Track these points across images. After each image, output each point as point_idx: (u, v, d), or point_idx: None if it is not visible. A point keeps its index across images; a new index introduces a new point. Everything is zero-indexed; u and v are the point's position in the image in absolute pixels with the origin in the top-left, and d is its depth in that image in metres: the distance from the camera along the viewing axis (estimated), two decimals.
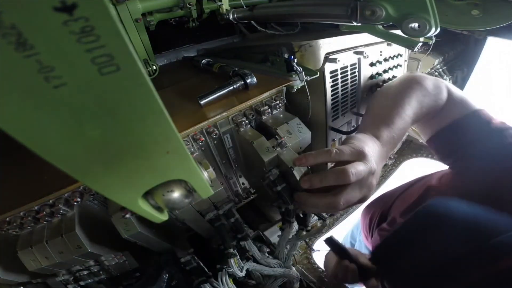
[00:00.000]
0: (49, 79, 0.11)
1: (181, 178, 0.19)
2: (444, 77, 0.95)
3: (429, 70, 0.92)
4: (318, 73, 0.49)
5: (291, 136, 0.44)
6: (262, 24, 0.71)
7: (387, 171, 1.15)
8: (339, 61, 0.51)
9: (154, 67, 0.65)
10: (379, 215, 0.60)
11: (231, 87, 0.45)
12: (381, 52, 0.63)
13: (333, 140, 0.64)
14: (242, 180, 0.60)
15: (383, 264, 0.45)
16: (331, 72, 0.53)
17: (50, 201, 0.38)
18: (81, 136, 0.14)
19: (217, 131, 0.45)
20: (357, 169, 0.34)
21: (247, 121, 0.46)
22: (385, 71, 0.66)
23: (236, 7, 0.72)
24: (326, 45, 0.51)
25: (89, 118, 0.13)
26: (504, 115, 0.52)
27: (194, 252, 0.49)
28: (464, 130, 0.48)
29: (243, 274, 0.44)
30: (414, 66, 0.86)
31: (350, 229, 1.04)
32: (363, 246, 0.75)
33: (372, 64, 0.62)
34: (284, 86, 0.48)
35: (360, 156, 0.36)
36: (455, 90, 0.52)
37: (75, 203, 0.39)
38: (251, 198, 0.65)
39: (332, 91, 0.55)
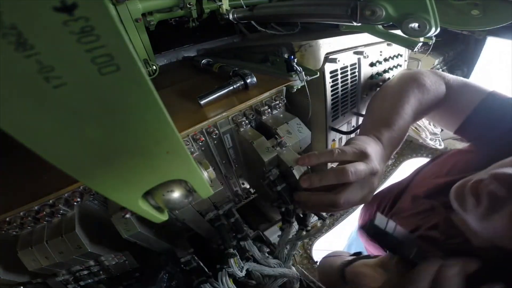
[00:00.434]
0: (49, 79, 0.11)
1: (181, 178, 0.19)
2: None
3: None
4: (318, 73, 0.49)
5: (291, 136, 0.44)
6: (262, 24, 0.71)
7: (387, 171, 1.15)
8: (339, 61, 0.51)
9: (154, 67, 0.65)
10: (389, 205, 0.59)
11: (231, 87, 0.45)
12: (381, 52, 0.63)
13: (333, 140, 0.64)
14: (242, 180, 0.60)
15: None
16: (331, 72, 0.53)
17: (50, 201, 0.38)
18: (81, 136, 0.14)
19: (217, 131, 0.45)
20: (357, 168, 0.34)
21: (247, 121, 0.46)
22: (385, 71, 0.66)
23: (236, 7, 0.72)
24: (326, 45, 0.51)
25: (89, 118, 0.13)
26: None
27: (194, 252, 0.49)
28: (489, 112, 0.49)
29: (243, 274, 0.44)
30: (414, 66, 0.86)
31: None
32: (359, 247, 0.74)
33: (372, 64, 0.62)
34: (284, 86, 0.48)
35: (362, 156, 0.36)
36: (454, 78, 0.53)
37: (75, 203, 0.39)
38: (251, 198, 0.65)
39: (332, 91, 0.55)
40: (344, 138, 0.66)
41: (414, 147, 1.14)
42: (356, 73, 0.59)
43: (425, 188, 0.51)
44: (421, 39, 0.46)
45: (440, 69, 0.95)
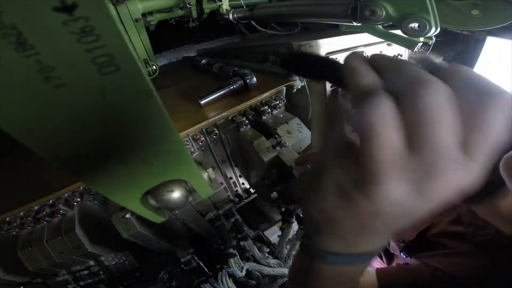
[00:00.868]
0: (49, 79, 0.11)
1: (181, 178, 0.19)
2: None
3: None
4: None
5: (291, 136, 0.44)
6: (262, 24, 0.71)
7: None
8: (339, 61, 0.51)
9: (154, 67, 0.65)
10: None
11: (231, 87, 0.45)
12: (381, 52, 0.63)
13: None
14: (242, 180, 0.60)
15: None
16: None
17: (50, 201, 0.38)
18: (81, 136, 0.14)
19: (217, 131, 0.45)
20: None
21: (247, 121, 0.46)
22: None
23: (236, 7, 0.72)
24: (326, 45, 0.51)
25: (89, 118, 0.13)
26: None
27: (194, 252, 0.49)
28: None
29: (243, 274, 0.44)
30: None
31: None
32: None
33: None
34: (284, 86, 0.48)
35: None
36: None
37: (75, 203, 0.39)
38: (251, 198, 0.65)
39: (332, 91, 0.55)
40: None
41: None
42: None
43: None
44: (421, 39, 0.46)
45: None
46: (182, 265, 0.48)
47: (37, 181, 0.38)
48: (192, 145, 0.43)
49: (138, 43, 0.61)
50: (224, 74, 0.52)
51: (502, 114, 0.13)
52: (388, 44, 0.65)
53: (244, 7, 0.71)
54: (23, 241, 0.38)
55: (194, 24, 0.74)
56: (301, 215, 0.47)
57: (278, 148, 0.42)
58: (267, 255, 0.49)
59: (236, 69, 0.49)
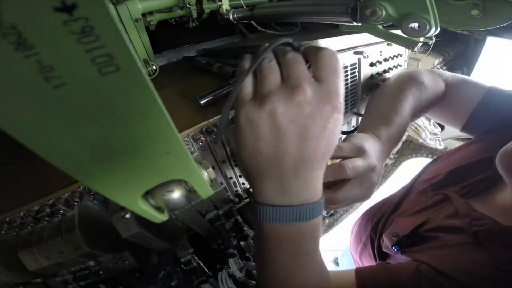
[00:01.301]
0: (49, 79, 0.11)
1: (181, 178, 0.19)
2: None
3: None
4: None
5: None
6: (262, 24, 0.71)
7: (387, 171, 1.15)
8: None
9: (154, 67, 0.65)
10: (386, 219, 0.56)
11: (231, 87, 0.45)
12: (381, 52, 0.63)
13: None
14: (242, 180, 0.60)
15: None
16: None
17: (50, 201, 0.38)
18: (81, 136, 0.14)
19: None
20: (354, 164, 0.34)
21: None
22: (385, 71, 0.66)
23: (236, 7, 0.72)
24: (326, 45, 0.51)
25: (89, 118, 0.13)
26: None
27: (194, 252, 0.49)
28: (492, 107, 0.49)
29: (243, 274, 0.44)
30: (414, 66, 0.86)
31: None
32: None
33: (372, 64, 0.62)
34: None
35: (359, 152, 0.36)
36: (452, 76, 0.54)
37: (75, 203, 0.39)
38: (251, 198, 0.65)
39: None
40: (344, 137, 0.66)
41: (414, 147, 1.14)
42: (356, 73, 0.59)
43: (432, 181, 0.50)
44: (421, 39, 0.46)
45: (440, 69, 0.95)
46: (182, 265, 0.48)
47: (37, 181, 0.38)
48: (192, 145, 0.43)
49: (138, 43, 0.61)
50: (224, 74, 0.52)
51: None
52: (388, 44, 0.65)
53: (244, 7, 0.71)
54: (23, 241, 0.38)
55: (194, 24, 0.74)
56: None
57: None
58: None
59: (236, 68, 0.49)
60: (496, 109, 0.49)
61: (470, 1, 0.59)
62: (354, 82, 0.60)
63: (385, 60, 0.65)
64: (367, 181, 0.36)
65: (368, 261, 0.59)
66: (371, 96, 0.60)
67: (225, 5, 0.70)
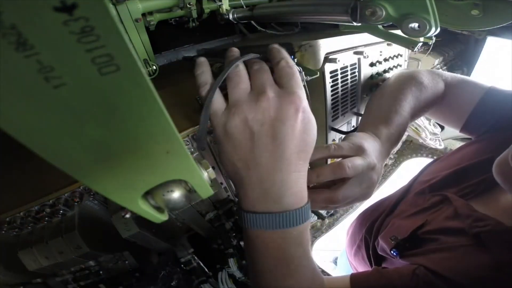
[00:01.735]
0: (49, 79, 0.11)
1: (181, 178, 0.19)
2: None
3: None
4: (318, 73, 0.49)
5: None
6: (262, 24, 0.71)
7: (387, 171, 1.15)
8: (339, 61, 0.51)
9: (154, 67, 0.65)
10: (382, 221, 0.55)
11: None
12: (381, 52, 0.63)
13: (333, 140, 0.64)
14: None
15: None
16: (331, 72, 0.53)
17: (50, 201, 0.38)
18: (81, 136, 0.14)
19: None
20: (354, 163, 0.33)
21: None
22: (385, 71, 0.66)
23: (236, 7, 0.72)
24: (326, 45, 0.51)
25: (89, 118, 0.13)
26: None
27: (194, 252, 0.49)
28: (491, 107, 0.49)
29: (243, 274, 0.44)
30: (414, 66, 0.86)
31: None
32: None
33: (372, 64, 0.62)
34: None
35: (359, 151, 0.36)
36: (451, 76, 0.54)
37: (75, 203, 0.39)
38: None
39: (332, 91, 0.55)
40: (343, 137, 0.66)
41: (414, 147, 1.14)
42: (356, 73, 0.59)
43: (430, 182, 0.50)
44: (421, 39, 0.46)
45: (440, 69, 0.95)
46: (182, 265, 0.48)
47: (37, 181, 0.38)
48: (192, 145, 0.43)
49: (138, 43, 0.61)
50: None
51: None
52: (388, 44, 0.65)
53: (244, 7, 0.71)
54: (23, 241, 0.38)
55: (194, 24, 0.74)
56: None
57: None
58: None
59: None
60: (496, 109, 0.48)
61: (470, 1, 0.59)
62: (354, 82, 0.60)
63: (385, 60, 0.65)
64: (367, 180, 0.36)
65: (361, 264, 0.58)
66: (371, 96, 0.60)
67: (225, 5, 0.70)
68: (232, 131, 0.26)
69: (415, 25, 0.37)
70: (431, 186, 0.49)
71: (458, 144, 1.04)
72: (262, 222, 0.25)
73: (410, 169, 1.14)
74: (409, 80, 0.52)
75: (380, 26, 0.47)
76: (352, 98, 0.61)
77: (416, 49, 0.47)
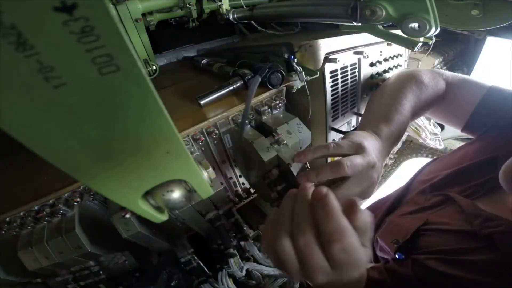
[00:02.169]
0: (49, 79, 0.11)
1: (181, 178, 0.19)
2: None
3: None
4: (318, 73, 0.49)
5: (291, 136, 0.44)
6: (262, 24, 0.71)
7: (387, 171, 1.15)
8: (339, 61, 0.51)
9: (154, 67, 0.65)
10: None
11: (231, 87, 0.45)
12: (381, 52, 0.63)
13: (333, 140, 0.64)
14: (242, 180, 0.60)
15: None
16: (331, 72, 0.53)
17: (50, 201, 0.38)
18: (81, 136, 0.14)
19: (217, 131, 0.45)
20: (353, 161, 0.33)
21: (247, 121, 0.46)
22: (385, 71, 0.66)
23: (236, 7, 0.72)
24: (326, 45, 0.51)
25: (89, 118, 0.13)
26: None
27: (194, 252, 0.49)
28: (492, 107, 0.49)
29: (243, 274, 0.44)
30: (414, 66, 0.86)
31: None
32: None
33: (372, 64, 0.62)
34: (284, 86, 0.48)
35: (358, 149, 0.36)
36: (452, 75, 0.53)
37: (75, 203, 0.39)
38: (251, 198, 0.65)
39: (332, 91, 0.55)
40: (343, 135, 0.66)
41: (414, 147, 1.14)
42: (356, 73, 0.59)
43: (431, 181, 0.49)
44: (421, 39, 0.46)
45: (440, 69, 0.95)
46: (182, 265, 0.48)
47: (37, 181, 0.38)
48: (192, 145, 0.43)
49: (138, 43, 0.61)
50: (224, 74, 0.52)
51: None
52: (388, 44, 0.65)
53: (244, 7, 0.71)
54: (23, 241, 0.38)
55: (194, 24, 0.74)
56: None
57: (276, 146, 0.42)
58: (267, 255, 0.49)
59: (236, 69, 0.49)
60: (497, 108, 0.48)
61: (470, 1, 0.59)
62: (354, 82, 0.60)
63: (385, 60, 0.65)
64: (367, 179, 0.35)
65: None
66: (371, 95, 0.60)
67: (225, 5, 0.70)
68: None
69: (415, 25, 0.37)
70: (432, 186, 0.48)
71: (458, 144, 1.04)
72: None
73: (410, 169, 1.14)
74: (409, 79, 0.52)
75: (380, 26, 0.47)
76: (352, 98, 0.61)
77: (416, 49, 0.47)
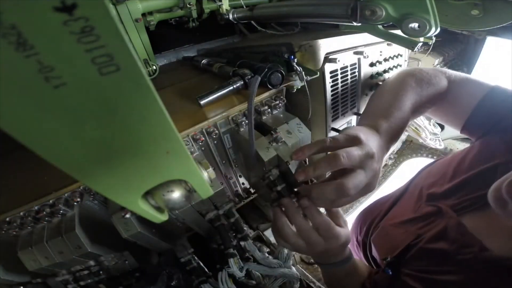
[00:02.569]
0: (49, 79, 0.11)
1: (181, 178, 0.19)
2: None
3: None
4: (318, 73, 0.49)
5: (291, 136, 0.44)
6: (262, 24, 0.71)
7: (387, 171, 1.15)
8: (339, 61, 0.51)
9: (154, 67, 0.65)
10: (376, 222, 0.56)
11: (231, 87, 0.45)
12: (381, 52, 0.63)
13: None
14: (242, 180, 0.60)
15: None
16: (331, 72, 0.53)
17: (50, 201, 0.38)
18: (81, 136, 0.14)
19: (217, 131, 0.45)
20: (349, 152, 0.33)
21: (247, 121, 0.46)
22: (385, 71, 0.66)
23: (236, 7, 0.72)
24: (326, 45, 0.51)
25: (89, 118, 0.13)
26: None
27: (194, 252, 0.49)
28: (495, 105, 0.47)
29: (243, 274, 0.44)
30: (414, 66, 0.86)
31: None
32: None
33: (372, 64, 0.62)
34: (284, 86, 0.48)
35: (354, 141, 0.35)
36: (455, 74, 0.52)
37: (75, 203, 0.39)
38: (251, 198, 0.65)
39: (332, 91, 0.55)
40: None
41: (414, 147, 1.14)
42: (356, 73, 0.59)
43: (428, 190, 0.48)
44: (421, 39, 0.46)
45: (443, 68, 0.95)
46: (182, 265, 0.48)
47: (37, 181, 0.38)
48: (192, 145, 0.43)
49: (138, 43, 0.61)
50: (224, 74, 0.52)
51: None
52: (388, 44, 0.65)
53: (244, 7, 0.71)
54: (23, 241, 0.38)
55: (194, 24, 0.74)
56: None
57: (274, 144, 0.42)
58: (267, 255, 0.49)
59: (236, 69, 0.49)
60: (498, 109, 0.46)
61: (470, 1, 0.59)
62: (354, 82, 0.60)
63: (385, 60, 0.65)
64: (370, 168, 0.34)
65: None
66: (371, 94, 0.60)
67: (225, 5, 0.70)
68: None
69: (415, 25, 0.37)
70: (428, 195, 0.48)
71: (458, 144, 1.04)
72: (332, 266, 0.45)
73: (410, 169, 1.14)
74: (410, 76, 0.50)
75: (380, 26, 0.47)
76: (352, 98, 0.61)
77: (416, 49, 0.47)
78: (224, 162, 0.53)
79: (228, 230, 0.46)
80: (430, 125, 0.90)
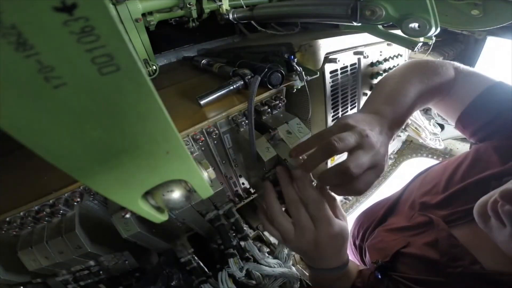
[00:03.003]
0: (49, 79, 0.11)
1: (181, 178, 0.19)
2: None
3: None
4: (318, 73, 0.49)
5: (291, 136, 0.44)
6: (262, 24, 0.71)
7: (387, 171, 1.15)
8: (339, 61, 0.51)
9: (154, 67, 0.65)
10: (371, 227, 0.55)
11: (231, 87, 0.45)
12: (381, 52, 0.64)
13: None
14: (242, 180, 0.60)
15: None
16: (331, 72, 0.53)
17: (50, 201, 0.38)
18: (81, 136, 0.14)
19: (217, 131, 0.45)
20: (340, 136, 0.32)
21: (247, 121, 0.46)
22: (385, 71, 0.66)
23: (236, 7, 0.72)
24: (326, 45, 0.51)
25: (89, 118, 0.13)
26: None
27: (194, 252, 0.49)
28: (491, 102, 0.45)
29: (243, 274, 0.44)
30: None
31: None
32: None
33: (372, 64, 0.62)
34: (284, 86, 0.48)
35: (346, 127, 0.35)
36: (464, 66, 0.51)
37: (75, 203, 0.39)
38: (251, 198, 0.65)
39: (332, 91, 0.55)
40: None
41: (414, 147, 1.14)
42: (356, 73, 0.59)
43: (422, 199, 0.47)
44: (421, 39, 0.46)
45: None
46: (182, 265, 0.48)
47: (37, 181, 0.38)
48: (192, 145, 0.43)
49: (138, 43, 0.61)
50: (224, 74, 0.52)
51: None
52: (388, 44, 0.65)
53: (244, 7, 0.71)
54: (23, 241, 0.38)
55: (194, 24, 0.74)
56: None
57: (272, 142, 0.42)
58: (267, 255, 0.49)
59: (236, 69, 0.49)
60: (496, 105, 0.44)
61: (470, 1, 0.59)
62: (354, 82, 0.60)
63: (385, 60, 0.65)
64: (368, 146, 0.33)
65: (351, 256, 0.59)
66: (374, 85, 0.58)
67: (225, 5, 0.70)
68: (305, 250, 0.40)
69: (415, 25, 0.37)
70: (421, 204, 0.47)
71: (458, 144, 1.04)
72: (326, 271, 0.42)
73: (410, 169, 1.14)
74: (415, 66, 0.49)
75: (380, 26, 0.47)
76: (352, 98, 0.61)
77: (416, 49, 0.47)
78: (224, 162, 0.53)
79: (228, 230, 0.46)
80: (430, 125, 0.90)
